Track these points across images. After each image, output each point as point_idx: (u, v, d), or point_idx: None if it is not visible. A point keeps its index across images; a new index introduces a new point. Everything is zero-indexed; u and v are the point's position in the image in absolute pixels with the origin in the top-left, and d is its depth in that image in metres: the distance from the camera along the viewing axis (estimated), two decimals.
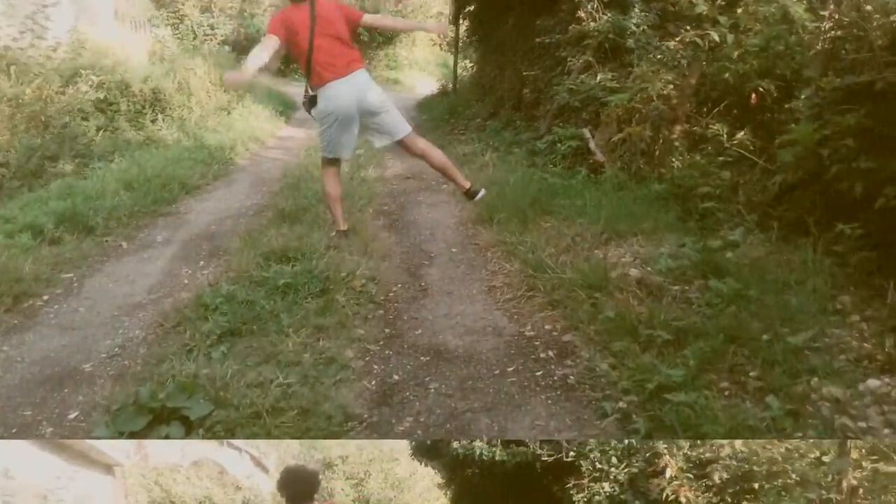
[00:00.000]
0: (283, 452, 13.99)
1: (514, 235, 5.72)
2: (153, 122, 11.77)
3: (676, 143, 7.53)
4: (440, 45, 30.40)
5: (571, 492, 6.11)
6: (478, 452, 6.69)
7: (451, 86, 18.06)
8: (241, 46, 21.96)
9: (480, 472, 7.41)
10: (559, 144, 8.04)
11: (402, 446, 15.24)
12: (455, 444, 6.77)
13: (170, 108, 12.56)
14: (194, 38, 23.53)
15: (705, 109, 7.75)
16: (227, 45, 22.27)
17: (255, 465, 14.06)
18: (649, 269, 4.65)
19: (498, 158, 8.67)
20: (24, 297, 4.97)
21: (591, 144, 8.06)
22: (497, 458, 6.65)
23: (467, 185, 5.75)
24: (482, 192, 5.79)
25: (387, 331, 4.31)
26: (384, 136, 5.50)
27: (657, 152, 7.56)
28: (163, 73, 13.20)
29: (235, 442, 13.58)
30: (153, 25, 20.43)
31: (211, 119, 12.91)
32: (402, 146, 5.60)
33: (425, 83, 24.30)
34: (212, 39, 24.63)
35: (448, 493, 9.43)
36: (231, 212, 7.59)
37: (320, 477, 3.53)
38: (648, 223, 5.55)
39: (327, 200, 5.83)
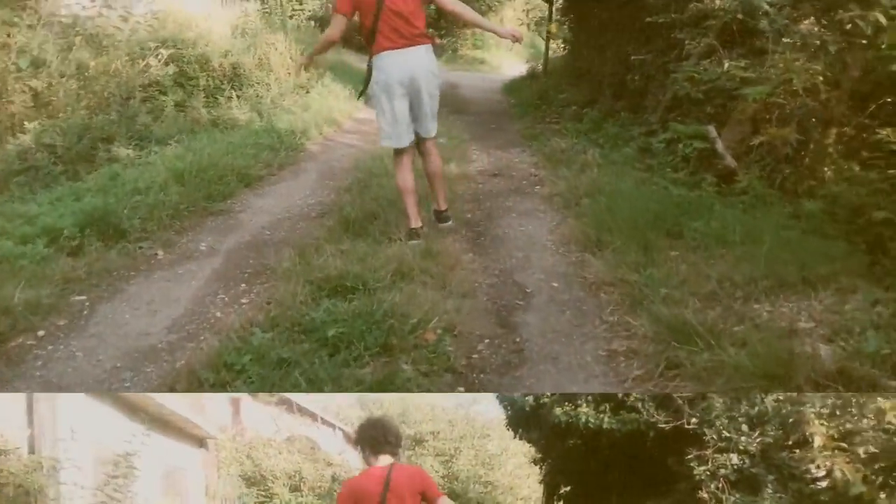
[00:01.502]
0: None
1: (634, 270, 4.25)
2: (229, 99, 10.65)
3: (830, 150, 5.89)
4: (527, 24, 28.63)
5: (692, 464, 4.98)
6: (583, 420, 5.58)
7: (540, 67, 16.45)
8: (327, 21, 20.79)
9: (583, 444, 6.23)
10: (680, 144, 6.45)
11: (496, 422, 14.54)
12: (558, 411, 5.71)
13: (248, 85, 11.46)
14: (282, 14, 22.52)
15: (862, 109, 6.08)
16: (314, 20, 21.09)
17: (347, 441, 13.92)
18: (844, 346, 3.13)
19: (602, 156, 7.14)
20: (13, 333, 3.78)
21: (719, 146, 6.46)
22: (605, 425, 5.53)
23: (444, 206, 5.33)
24: (450, 223, 5.36)
25: None
26: (419, 125, 4.99)
27: (806, 160, 5.93)
28: (244, 47, 12.11)
29: (329, 418, 13.67)
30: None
31: (288, 98, 11.70)
32: (418, 145, 5.13)
33: (512, 64, 22.69)
34: (300, 14, 23.59)
35: (543, 468, 8.55)
36: (291, 212, 6.32)
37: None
38: (822, 264, 3.99)
39: (401, 194, 5.12)
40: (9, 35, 9.01)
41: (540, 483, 9.71)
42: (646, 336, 3.50)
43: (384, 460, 2.95)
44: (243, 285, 4.55)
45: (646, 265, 4.30)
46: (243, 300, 4.30)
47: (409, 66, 4.71)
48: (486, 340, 3.67)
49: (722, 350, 3.09)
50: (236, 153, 7.63)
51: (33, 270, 4.40)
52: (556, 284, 4.38)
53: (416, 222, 5.03)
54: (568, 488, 8.04)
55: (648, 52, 8.95)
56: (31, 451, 4.67)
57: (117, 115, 8.32)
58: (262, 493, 9.49)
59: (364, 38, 4.83)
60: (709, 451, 4.99)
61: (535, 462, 9.32)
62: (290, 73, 12.02)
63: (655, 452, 5.55)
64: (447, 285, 4.21)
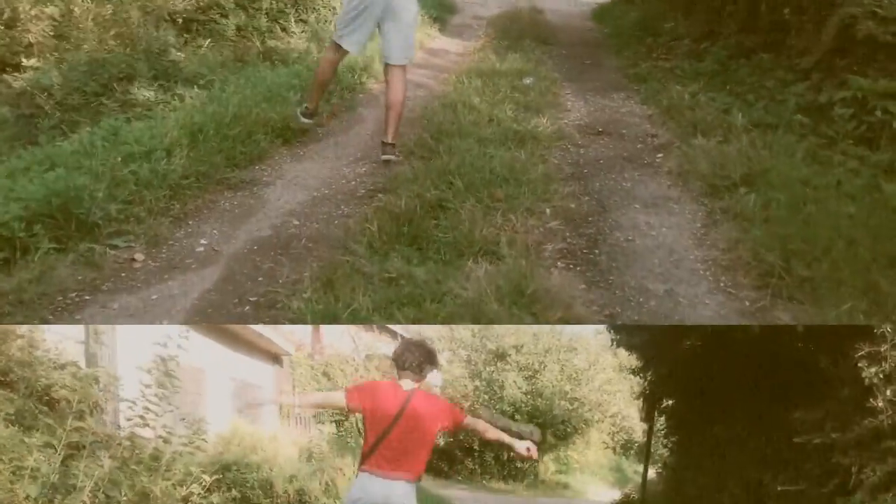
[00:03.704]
0: (456, 345, 12.65)
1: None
2: (284, 26, 8.84)
3: None
4: None
5: (861, 364, 3.23)
6: None
7: None
8: None
9: (704, 343, 4.68)
10: (878, 111, 4.30)
11: (584, 334, 13.30)
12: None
13: (313, 9, 9.56)
14: None
15: None
16: None
17: None
18: None
19: (750, 121, 5.00)
20: None
21: None
22: None
23: (392, 139, 4.81)
24: (392, 157, 4.78)
25: None
26: (386, 50, 4.82)
27: None
28: None
29: (411, 337, 12.26)
30: None
31: None
32: (385, 70, 4.95)
33: None
34: None
35: (648, 377, 6.99)
36: (333, 186, 4.52)
37: (438, 359, 2.76)
38: None
39: (314, 79, 5.19)
40: None
41: (638, 398, 8.47)
42: None
43: (406, 384, 2.61)
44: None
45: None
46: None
47: None
48: None
49: None
50: (276, 99, 5.80)
51: None
52: None
53: (312, 103, 5.14)
54: (671, 402, 6.71)
55: None
56: (89, 364, 4.13)
57: (143, 49, 6.55)
58: (338, 411, 8.74)
59: None
60: (884, 348, 3.22)
61: (634, 372, 7.95)
62: None
63: (804, 351, 3.93)
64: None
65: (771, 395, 4.33)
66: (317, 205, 4.21)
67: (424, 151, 4.89)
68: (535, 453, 2.56)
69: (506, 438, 2.62)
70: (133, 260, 3.46)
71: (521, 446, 2.55)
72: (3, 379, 3.62)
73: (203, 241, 3.69)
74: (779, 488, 4.10)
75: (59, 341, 4.04)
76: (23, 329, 3.98)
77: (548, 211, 3.85)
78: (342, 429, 9.26)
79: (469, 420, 2.63)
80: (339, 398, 2.62)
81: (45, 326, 4.16)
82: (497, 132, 5.28)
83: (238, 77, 6.35)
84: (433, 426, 2.53)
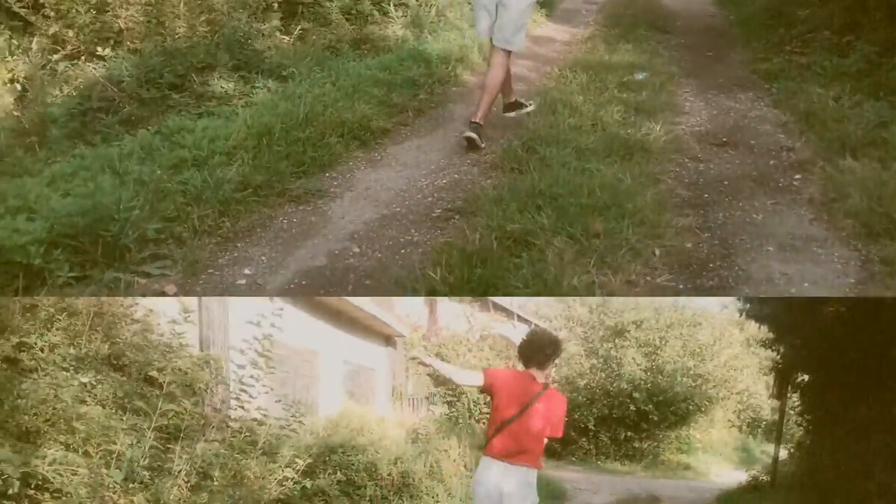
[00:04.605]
0: (573, 322, 12.51)
1: None
2: (386, 10, 8.31)
3: None
4: None
5: None
6: None
7: None
8: None
9: (844, 314, 4.45)
10: None
11: (711, 307, 12.76)
12: None
13: None
14: None
15: None
16: None
17: None
18: None
19: None
20: None
21: None
22: None
23: (478, 118, 4.52)
24: (475, 137, 4.47)
25: None
26: (494, 32, 4.63)
27: None
28: None
29: (526, 315, 12.89)
30: None
31: (454, 9, 9.06)
32: (490, 51, 4.75)
33: None
34: None
35: (781, 350, 6.56)
36: (406, 202, 3.90)
37: (562, 347, 3.06)
38: None
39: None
40: None
41: (768, 373, 8.14)
42: None
43: (538, 375, 2.77)
44: None
45: None
46: None
47: None
48: None
49: None
50: (359, 94, 5.23)
51: None
52: None
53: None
54: (807, 377, 6.23)
55: None
56: (202, 348, 4.19)
57: (225, 37, 6.10)
58: (450, 392, 9.27)
59: None
60: None
61: (764, 345, 7.42)
62: None
63: None
64: None
65: None
66: (384, 226, 3.59)
67: (514, 163, 4.18)
68: None
69: None
70: (163, 294, 2.96)
71: None
72: (115, 363, 3.59)
73: (247, 271, 3.15)
74: None
75: (173, 325, 3.82)
76: (139, 314, 3.89)
77: (657, 253, 3.07)
78: (454, 409, 9.18)
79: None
80: (475, 376, 2.78)
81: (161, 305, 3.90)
82: (601, 140, 4.51)
83: (321, 69, 5.83)
84: (547, 428, 2.73)
